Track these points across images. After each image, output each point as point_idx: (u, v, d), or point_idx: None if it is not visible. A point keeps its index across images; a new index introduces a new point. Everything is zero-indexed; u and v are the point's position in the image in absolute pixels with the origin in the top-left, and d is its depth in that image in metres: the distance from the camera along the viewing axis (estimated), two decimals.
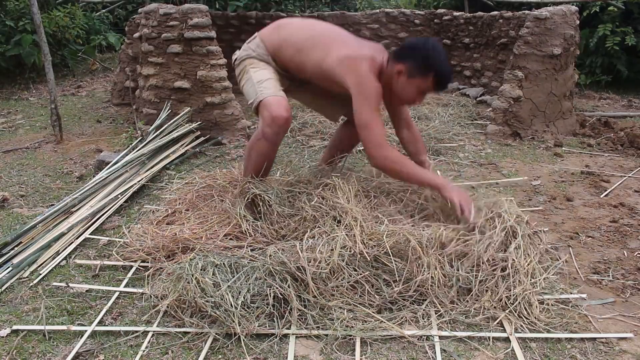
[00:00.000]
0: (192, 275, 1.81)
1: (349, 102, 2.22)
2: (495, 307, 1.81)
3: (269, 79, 2.28)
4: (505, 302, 1.82)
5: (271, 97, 2.20)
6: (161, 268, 2.02)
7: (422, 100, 2.27)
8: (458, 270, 1.90)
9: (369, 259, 1.87)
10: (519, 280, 1.89)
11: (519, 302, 1.81)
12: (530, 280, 1.91)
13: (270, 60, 2.35)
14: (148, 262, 2.10)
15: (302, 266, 1.82)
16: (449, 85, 2.14)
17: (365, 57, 2.16)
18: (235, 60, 2.44)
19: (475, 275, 1.89)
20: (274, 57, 2.35)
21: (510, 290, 1.85)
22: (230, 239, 2.14)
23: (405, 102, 2.32)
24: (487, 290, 1.86)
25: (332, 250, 1.88)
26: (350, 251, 1.88)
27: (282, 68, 2.36)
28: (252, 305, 1.74)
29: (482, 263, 1.92)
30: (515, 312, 1.79)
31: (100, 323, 1.77)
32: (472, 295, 1.85)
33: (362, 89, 2.12)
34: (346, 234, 1.94)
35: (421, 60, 2.11)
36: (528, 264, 1.97)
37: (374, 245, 1.91)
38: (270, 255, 1.89)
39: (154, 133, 3.45)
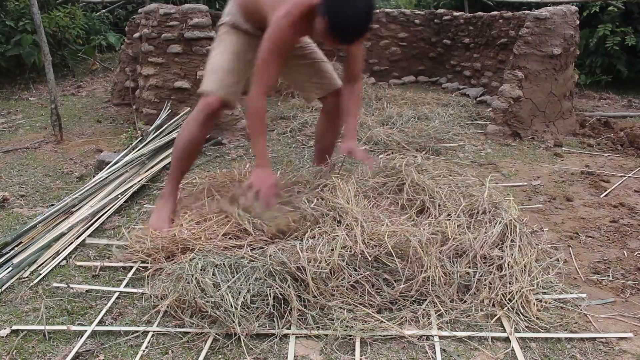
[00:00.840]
0: (192, 276, 1.81)
1: (322, 79, 2.34)
2: (493, 305, 1.82)
3: (221, 69, 2.30)
4: (503, 299, 1.83)
5: (212, 96, 2.28)
6: (161, 268, 2.02)
7: (331, 45, 2.11)
8: (457, 267, 1.91)
9: (369, 258, 1.87)
10: (516, 278, 1.90)
11: (517, 300, 1.81)
12: (528, 278, 1.92)
13: (242, 22, 2.33)
14: (148, 263, 2.09)
15: (302, 266, 1.82)
16: (352, 36, 2.02)
17: (291, 1, 2.06)
18: (218, 26, 2.46)
19: (473, 272, 1.90)
20: (244, 14, 2.33)
21: (507, 288, 1.86)
22: (230, 238, 2.14)
23: (327, 45, 2.19)
24: (485, 287, 1.86)
25: (332, 250, 1.88)
26: (350, 251, 1.88)
27: (257, 26, 2.31)
28: (252, 305, 1.74)
29: (478, 261, 1.93)
30: (513, 309, 1.79)
31: (101, 323, 1.77)
32: (470, 293, 1.86)
33: (271, 32, 2.08)
34: (346, 234, 1.94)
35: (326, 6, 1.95)
36: (524, 262, 1.98)
37: (375, 246, 1.92)
38: (270, 256, 1.89)
39: (154, 133, 3.45)
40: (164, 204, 2.38)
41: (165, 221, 2.28)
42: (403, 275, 1.86)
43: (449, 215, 2.17)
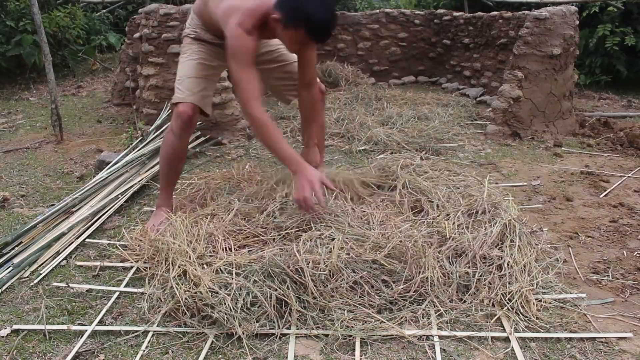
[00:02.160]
0: (192, 278, 1.82)
1: (295, 80, 2.38)
2: (493, 305, 1.82)
3: (187, 77, 2.31)
4: (502, 299, 1.83)
5: (183, 104, 2.29)
6: (159, 273, 2.01)
7: (305, 49, 2.20)
8: (456, 267, 1.92)
9: (369, 260, 1.88)
10: (515, 278, 1.90)
11: (516, 300, 1.82)
12: (527, 278, 1.92)
13: (204, 33, 2.35)
14: (147, 265, 2.09)
15: (301, 268, 1.82)
16: (327, 35, 2.07)
17: (241, 8, 2.06)
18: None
19: (473, 272, 1.90)
20: (207, 28, 2.33)
21: (506, 287, 1.86)
22: (231, 238, 2.14)
23: (290, 51, 2.26)
24: (484, 287, 1.87)
25: (330, 251, 1.89)
26: (348, 254, 1.89)
27: (218, 35, 2.29)
28: (251, 308, 1.74)
29: (477, 261, 1.93)
30: (513, 309, 1.80)
31: (101, 323, 1.77)
32: (470, 293, 1.86)
33: (231, 46, 2.07)
34: (344, 238, 1.96)
35: (291, 11, 1.99)
36: (524, 262, 1.98)
37: (372, 248, 1.93)
38: (269, 258, 1.89)
39: (154, 133, 3.45)
40: (159, 213, 2.39)
41: (159, 221, 2.30)
42: (401, 276, 1.86)
43: (447, 215, 2.18)
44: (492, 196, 2.35)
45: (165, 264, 1.97)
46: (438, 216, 2.19)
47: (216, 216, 2.26)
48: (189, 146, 3.52)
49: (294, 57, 2.42)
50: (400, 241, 1.95)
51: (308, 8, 1.96)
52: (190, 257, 1.92)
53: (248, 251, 2.02)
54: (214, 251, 2.02)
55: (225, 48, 2.12)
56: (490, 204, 2.25)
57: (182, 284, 1.82)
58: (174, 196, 2.52)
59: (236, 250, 2.04)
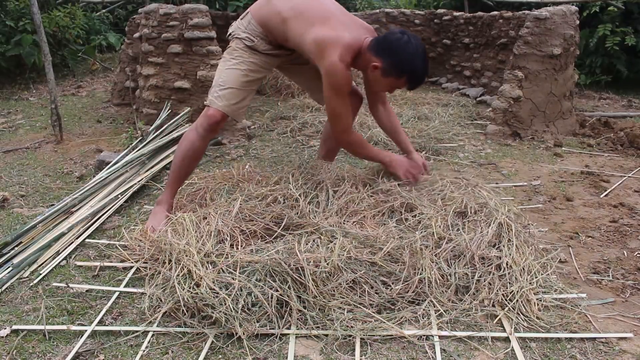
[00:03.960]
0: (192, 278, 1.81)
1: None
2: (493, 305, 1.82)
3: (229, 87, 2.35)
4: (503, 299, 1.83)
5: (216, 109, 2.34)
6: (160, 272, 2.01)
7: (392, 92, 2.42)
8: (455, 268, 1.92)
9: (368, 261, 1.89)
10: (515, 278, 1.90)
11: (517, 300, 1.82)
12: (527, 277, 1.92)
13: (259, 39, 2.36)
14: (147, 265, 2.09)
15: (301, 267, 1.82)
16: (423, 81, 2.31)
17: (340, 42, 2.15)
18: (231, 34, 2.47)
19: (472, 273, 1.90)
20: (265, 32, 2.35)
21: (507, 288, 1.86)
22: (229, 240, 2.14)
23: (375, 91, 2.46)
24: (484, 287, 1.87)
25: (331, 251, 1.89)
26: (348, 254, 1.89)
27: (274, 41, 2.37)
28: (252, 308, 1.74)
29: (476, 262, 1.93)
30: (514, 309, 1.80)
31: (101, 323, 1.77)
32: (470, 293, 1.86)
33: (331, 79, 2.18)
34: (344, 238, 1.96)
35: (398, 63, 2.16)
36: (523, 261, 1.98)
37: (370, 250, 1.94)
38: (270, 257, 1.89)
39: (154, 133, 3.45)
40: (161, 210, 2.40)
41: (160, 225, 2.28)
42: (400, 277, 1.86)
43: (443, 217, 2.17)
44: (487, 196, 2.35)
45: (169, 264, 1.97)
46: (431, 218, 2.19)
47: (221, 214, 2.26)
48: None
49: None
50: (398, 243, 1.96)
51: (414, 62, 2.16)
52: (194, 257, 1.92)
53: (251, 250, 2.02)
54: (221, 249, 2.02)
55: (276, 54, 2.35)
56: (481, 204, 2.25)
57: (185, 284, 1.81)
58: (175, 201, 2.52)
59: (243, 248, 2.04)
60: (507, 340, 1.69)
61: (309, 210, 2.20)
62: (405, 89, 2.37)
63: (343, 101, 2.24)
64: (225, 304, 1.71)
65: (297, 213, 2.19)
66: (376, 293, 1.84)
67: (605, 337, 1.70)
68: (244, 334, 1.66)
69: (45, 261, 2.17)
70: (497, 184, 2.99)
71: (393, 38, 2.19)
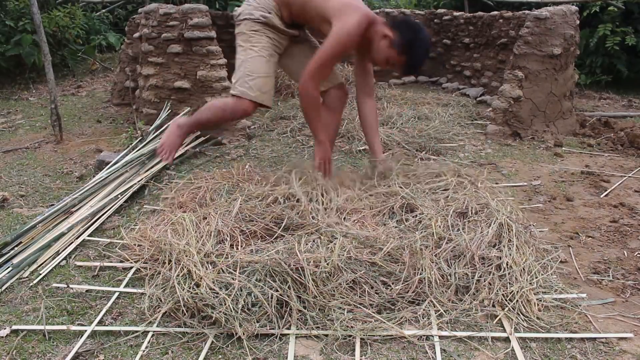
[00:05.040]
0: (192, 279, 1.81)
1: (330, 74, 2.56)
2: (493, 305, 1.82)
3: (259, 75, 2.43)
4: (503, 299, 1.83)
5: (249, 101, 2.46)
6: (160, 272, 2.01)
7: (384, 68, 2.51)
8: (455, 269, 1.92)
9: (368, 261, 1.89)
10: (515, 278, 1.90)
11: (517, 300, 1.82)
12: (527, 277, 1.92)
13: (273, 15, 2.45)
14: (147, 265, 2.09)
15: (301, 267, 1.82)
16: (415, 72, 2.56)
17: (362, 11, 2.33)
18: (239, 15, 2.52)
19: (472, 273, 1.90)
20: (279, 5, 2.47)
21: (507, 288, 1.86)
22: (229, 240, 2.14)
23: (373, 61, 2.50)
24: (484, 287, 1.87)
25: (331, 251, 1.89)
26: (348, 254, 1.89)
27: (287, 17, 2.49)
28: (252, 308, 1.74)
29: (476, 262, 1.93)
30: (514, 310, 1.79)
31: (100, 323, 1.77)
32: (470, 293, 1.86)
33: (340, 38, 2.28)
34: (344, 239, 1.96)
35: (407, 42, 2.32)
36: (524, 262, 1.98)
37: (370, 250, 1.94)
38: (270, 257, 1.89)
39: (154, 133, 3.45)
40: (179, 135, 2.67)
41: (175, 149, 2.65)
42: (400, 277, 1.86)
43: (443, 217, 2.18)
44: (488, 196, 2.35)
45: (169, 264, 1.97)
46: (432, 218, 2.19)
47: (221, 214, 2.26)
48: (189, 146, 3.53)
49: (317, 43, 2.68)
50: (398, 243, 1.96)
51: (420, 47, 2.34)
52: (194, 257, 1.92)
53: (251, 250, 2.02)
54: (221, 249, 2.02)
55: (287, 34, 2.48)
56: (483, 204, 2.25)
57: (185, 284, 1.81)
58: (174, 197, 2.56)
59: (243, 248, 2.04)
60: (507, 340, 1.69)
61: (310, 210, 2.20)
62: (397, 71, 2.48)
63: (333, 58, 2.34)
64: (225, 304, 1.71)
65: (298, 213, 2.19)
66: (376, 293, 1.84)
67: (606, 337, 1.70)
68: (244, 334, 1.66)
69: (45, 261, 2.17)
70: (497, 184, 2.99)
71: (412, 22, 2.42)
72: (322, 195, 2.30)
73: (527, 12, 4.69)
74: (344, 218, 2.20)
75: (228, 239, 2.09)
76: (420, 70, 2.46)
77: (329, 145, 2.57)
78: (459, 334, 1.70)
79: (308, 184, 2.37)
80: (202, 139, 3.70)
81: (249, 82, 2.42)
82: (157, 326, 1.74)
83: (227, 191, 2.51)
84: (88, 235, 2.37)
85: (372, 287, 1.85)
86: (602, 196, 2.86)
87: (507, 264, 1.94)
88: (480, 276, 1.90)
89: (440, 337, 1.69)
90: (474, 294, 1.86)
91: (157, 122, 3.58)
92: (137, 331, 1.72)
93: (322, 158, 2.54)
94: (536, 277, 1.95)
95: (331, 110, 2.69)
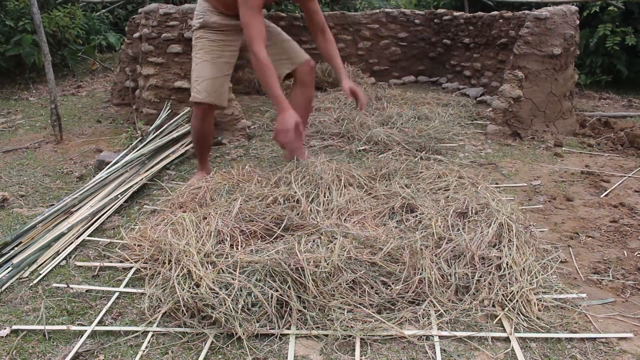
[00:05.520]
0: (192, 279, 1.81)
1: (289, 55, 2.77)
2: (493, 305, 1.82)
3: (204, 79, 2.64)
4: (503, 299, 1.83)
5: (202, 103, 2.68)
6: (160, 272, 2.01)
7: (305, 2, 2.62)
8: (455, 269, 1.92)
9: (368, 261, 1.89)
10: (515, 278, 1.90)
11: (517, 300, 1.82)
12: (527, 277, 1.92)
13: (208, 14, 2.64)
14: (147, 265, 2.09)
15: (301, 267, 1.82)
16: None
17: None
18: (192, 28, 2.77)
19: (472, 273, 1.90)
20: (214, 4, 2.63)
21: (507, 288, 1.86)
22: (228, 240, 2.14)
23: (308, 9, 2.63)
24: (484, 287, 1.87)
25: (331, 251, 1.89)
26: (348, 254, 1.89)
27: (225, 9, 2.62)
28: (252, 308, 1.74)
29: (476, 262, 1.93)
30: (514, 310, 1.79)
31: (100, 323, 1.77)
32: (470, 293, 1.86)
33: None
34: (344, 238, 1.96)
35: None
36: (524, 262, 1.98)
37: (370, 250, 1.94)
38: (270, 257, 1.89)
39: (154, 133, 3.45)
40: (200, 174, 2.89)
41: (200, 182, 2.66)
42: (400, 277, 1.86)
43: (443, 217, 2.18)
44: (488, 196, 2.35)
45: (169, 264, 1.97)
46: (432, 218, 2.19)
47: (221, 214, 2.26)
48: (189, 146, 3.53)
49: (287, 36, 2.86)
50: (398, 243, 1.96)
51: None
52: (194, 257, 1.92)
53: (251, 251, 2.02)
54: (220, 249, 2.01)
55: (232, 28, 2.58)
56: (483, 204, 2.25)
57: (185, 284, 1.81)
58: (178, 199, 2.55)
59: (243, 248, 2.04)
60: (507, 340, 1.69)
61: (311, 210, 2.20)
62: None
63: (253, 14, 2.40)
64: (225, 304, 1.71)
65: (298, 214, 2.19)
66: (376, 293, 1.84)
67: (606, 337, 1.70)
68: (244, 334, 1.66)
69: (45, 261, 2.17)
70: (497, 184, 2.99)
71: None
72: (324, 195, 2.29)
73: (527, 12, 4.69)
74: (345, 219, 2.20)
75: (228, 239, 2.09)
76: None
77: (292, 112, 2.40)
78: (459, 334, 1.70)
79: (309, 184, 2.37)
80: None
81: (196, 87, 2.66)
82: (157, 326, 1.74)
83: (227, 191, 2.51)
84: (88, 235, 2.38)
85: (372, 287, 1.85)
86: (602, 196, 2.86)
87: (507, 264, 1.95)
88: (480, 276, 1.90)
89: (440, 337, 1.69)
90: (474, 294, 1.86)
91: (157, 122, 3.58)
92: (137, 331, 1.72)
93: (283, 125, 2.38)
94: (536, 277, 1.95)
95: (303, 85, 2.88)
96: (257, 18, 2.42)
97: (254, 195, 2.37)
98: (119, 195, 2.72)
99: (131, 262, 2.13)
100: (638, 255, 2.24)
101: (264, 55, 2.39)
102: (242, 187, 2.51)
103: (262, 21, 2.49)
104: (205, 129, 2.82)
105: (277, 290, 1.78)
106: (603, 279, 2.05)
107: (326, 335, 1.68)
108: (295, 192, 2.29)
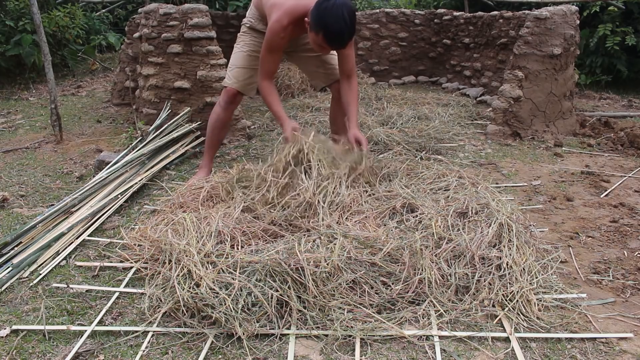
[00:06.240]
0: (192, 278, 1.81)
1: (327, 70, 2.91)
2: (493, 305, 1.82)
3: (236, 67, 2.86)
4: (503, 299, 1.83)
5: (230, 87, 2.89)
6: (160, 272, 2.01)
7: (325, 52, 2.65)
8: (455, 269, 1.92)
9: (368, 262, 1.89)
10: (515, 278, 1.90)
11: (517, 300, 1.82)
12: (527, 277, 1.92)
13: (257, 20, 2.83)
14: (147, 265, 2.09)
15: (301, 267, 1.82)
16: (341, 43, 2.49)
17: (283, 7, 2.53)
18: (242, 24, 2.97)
19: (472, 273, 1.90)
20: (260, 13, 2.80)
21: (507, 288, 1.86)
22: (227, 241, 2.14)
23: (315, 48, 2.62)
24: (484, 288, 1.87)
25: (331, 251, 1.89)
26: (348, 254, 1.89)
27: (266, 21, 2.70)
28: (252, 308, 1.74)
29: (476, 262, 1.93)
30: (514, 310, 1.79)
31: (100, 323, 1.77)
32: (470, 293, 1.86)
33: (268, 36, 2.58)
34: (344, 239, 1.96)
35: (314, 19, 2.41)
36: (524, 262, 1.98)
37: (370, 251, 1.94)
38: (270, 257, 1.89)
39: (154, 133, 3.44)
40: (201, 172, 2.96)
41: (200, 182, 2.69)
42: (399, 278, 1.86)
43: (443, 217, 2.18)
44: (488, 196, 2.35)
45: (169, 264, 1.97)
46: (432, 218, 2.19)
47: (222, 214, 2.25)
48: (189, 146, 3.53)
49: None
50: (398, 243, 1.96)
51: (327, 19, 2.37)
52: (194, 257, 1.92)
53: (251, 251, 2.02)
54: (221, 249, 2.01)
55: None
56: (483, 204, 2.25)
57: (185, 284, 1.81)
58: (179, 199, 2.55)
59: (243, 248, 2.04)
60: (507, 340, 1.69)
61: (311, 210, 2.20)
62: (325, 49, 2.54)
63: (270, 53, 2.62)
64: (225, 304, 1.71)
65: (299, 213, 2.19)
66: (376, 293, 1.84)
67: (606, 337, 1.70)
68: (243, 334, 1.66)
69: (45, 261, 2.17)
70: (497, 184, 2.99)
71: (321, 0, 2.44)
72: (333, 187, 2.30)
73: (527, 12, 4.69)
74: (346, 218, 2.20)
75: (228, 239, 2.09)
76: (348, 41, 2.50)
77: (289, 121, 2.64)
78: (459, 334, 1.70)
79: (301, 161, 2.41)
80: (202, 139, 3.70)
81: (228, 73, 2.89)
82: (157, 326, 1.74)
83: (227, 191, 2.51)
84: (88, 235, 2.38)
85: (372, 287, 1.85)
86: (602, 196, 2.86)
87: (507, 264, 1.95)
88: (480, 276, 1.90)
89: (440, 337, 1.69)
90: (474, 294, 1.86)
91: (157, 122, 3.58)
92: (137, 331, 1.72)
93: (288, 130, 2.61)
94: (536, 277, 1.95)
95: (336, 103, 3.01)
96: (272, 57, 2.63)
97: (253, 196, 2.36)
98: (119, 195, 2.72)
99: (131, 262, 2.13)
100: (638, 255, 2.24)
101: (265, 87, 2.70)
102: (242, 187, 2.50)
103: (278, 60, 2.72)
104: (224, 118, 2.95)
105: (277, 290, 1.78)
106: (603, 279, 2.05)
107: (326, 335, 1.68)
108: (301, 185, 2.28)
